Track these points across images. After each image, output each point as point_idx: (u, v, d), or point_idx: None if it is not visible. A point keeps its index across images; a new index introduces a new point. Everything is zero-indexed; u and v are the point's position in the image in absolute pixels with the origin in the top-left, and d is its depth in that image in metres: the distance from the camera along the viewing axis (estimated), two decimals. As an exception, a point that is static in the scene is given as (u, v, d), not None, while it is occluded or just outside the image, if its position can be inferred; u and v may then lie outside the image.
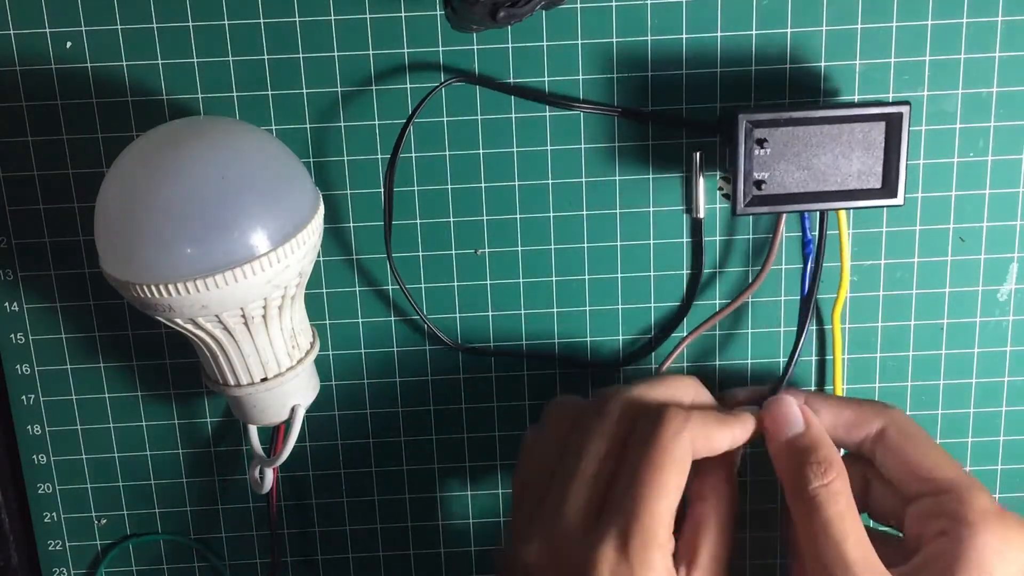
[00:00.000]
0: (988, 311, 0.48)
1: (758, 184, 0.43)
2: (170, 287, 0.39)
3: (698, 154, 0.46)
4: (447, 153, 0.46)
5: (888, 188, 0.43)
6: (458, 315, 0.48)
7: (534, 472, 0.42)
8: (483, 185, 0.46)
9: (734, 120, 0.42)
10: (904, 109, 0.42)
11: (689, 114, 0.45)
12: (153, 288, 0.39)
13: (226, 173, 0.39)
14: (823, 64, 0.45)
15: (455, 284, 0.47)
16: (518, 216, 0.47)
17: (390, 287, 0.48)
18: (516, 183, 0.46)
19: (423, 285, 0.48)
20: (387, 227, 0.46)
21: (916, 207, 0.47)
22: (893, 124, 0.42)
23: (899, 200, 0.43)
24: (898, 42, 0.45)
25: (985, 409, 0.49)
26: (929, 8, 0.44)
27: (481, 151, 0.46)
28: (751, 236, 0.47)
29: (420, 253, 0.47)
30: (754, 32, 0.45)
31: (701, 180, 0.46)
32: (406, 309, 0.48)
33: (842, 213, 0.45)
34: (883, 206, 0.43)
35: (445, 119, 0.45)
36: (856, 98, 0.45)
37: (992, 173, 0.46)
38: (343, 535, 0.51)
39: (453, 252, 0.47)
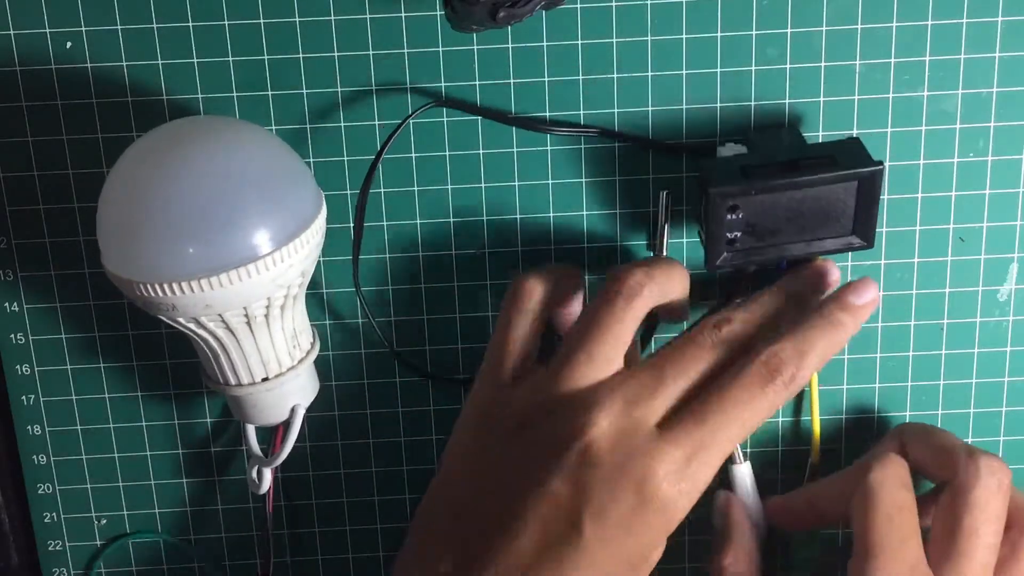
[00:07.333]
0: (988, 311, 0.48)
1: (731, 243, 0.42)
2: (174, 286, 0.39)
3: (664, 194, 0.45)
4: (447, 153, 0.46)
5: (860, 232, 0.43)
6: (458, 314, 0.48)
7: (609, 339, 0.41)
8: (483, 185, 0.46)
9: (705, 192, 0.41)
10: (877, 169, 0.41)
11: (689, 115, 0.45)
12: (157, 287, 0.39)
13: (230, 171, 0.39)
14: (823, 64, 0.45)
15: (455, 284, 0.48)
16: (518, 216, 0.47)
17: (390, 287, 0.48)
18: (516, 183, 0.46)
19: (423, 285, 0.48)
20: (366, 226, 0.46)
21: (916, 207, 0.47)
22: (865, 184, 0.41)
23: (870, 244, 0.43)
24: (898, 42, 0.45)
25: (985, 409, 0.49)
26: (929, 8, 0.44)
27: (481, 149, 0.46)
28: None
29: (420, 253, 0.47)
30: (754, 32, 0.45)
31: (667, 226, 0.45)
32: (407, 309, 0.48)
33: None
34: (854, 249, 0.43)
35: (445, 119, 0.45)
36: (855, 124, 0.45)
37: (992, 173, 0.46)
38: (343, 535, 0.51)
39: (453, 252, 0.47)
